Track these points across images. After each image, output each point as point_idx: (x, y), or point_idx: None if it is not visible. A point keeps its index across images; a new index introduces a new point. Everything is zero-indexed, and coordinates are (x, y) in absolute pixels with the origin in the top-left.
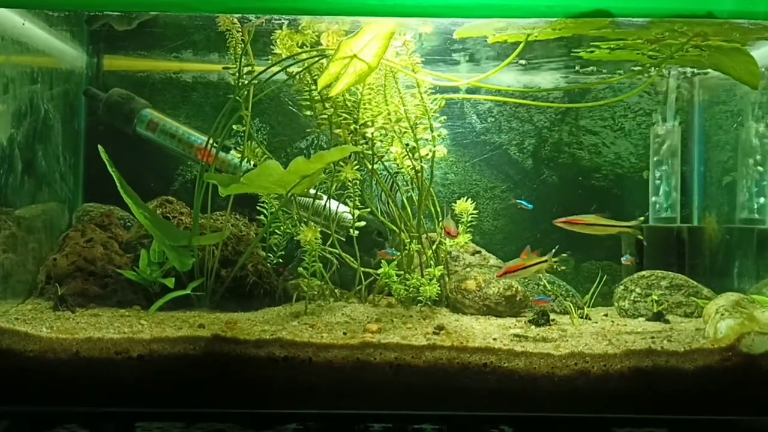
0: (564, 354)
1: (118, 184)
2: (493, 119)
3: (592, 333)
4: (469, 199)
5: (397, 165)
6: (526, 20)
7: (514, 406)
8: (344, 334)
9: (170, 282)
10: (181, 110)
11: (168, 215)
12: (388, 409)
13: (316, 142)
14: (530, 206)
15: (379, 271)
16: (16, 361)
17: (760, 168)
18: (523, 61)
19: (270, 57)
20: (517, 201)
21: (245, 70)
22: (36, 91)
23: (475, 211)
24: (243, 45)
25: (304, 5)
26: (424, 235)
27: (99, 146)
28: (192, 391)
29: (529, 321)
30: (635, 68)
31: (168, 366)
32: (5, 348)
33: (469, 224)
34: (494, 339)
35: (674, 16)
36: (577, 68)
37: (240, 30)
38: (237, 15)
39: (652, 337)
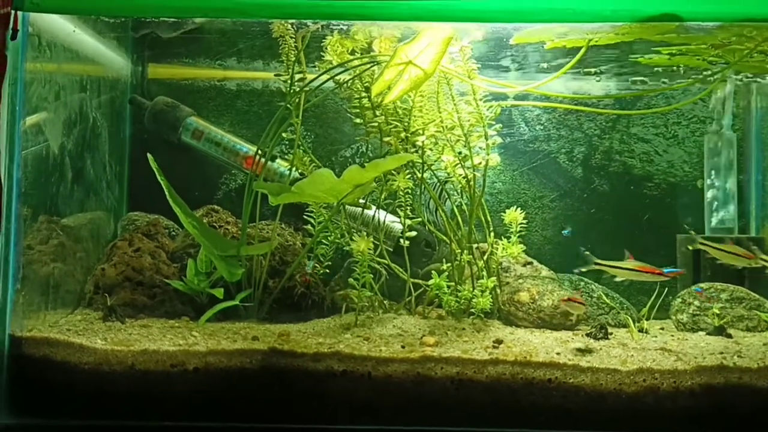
0: (632, 370)
1: (166, 193)
2: (541, 127)
3: (656, 348)
4: (518, 209)
5: (448, 174)
6: (589, 25)
7: (579, 424)
8: (402, 347)
9: (219, 292)
10: (226, 118)
11: (214, 224)
12: (450, 426)
13: (361, 150)
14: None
15: (430, 282)
16: (71, 373)
17: None
18: (592, 70)
19: (316, 64)
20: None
21: (297, 77)
22: (85, 99)
23: (524, 221)
24: (296, 51)
25: (364, 11)
26: (475, 246)
27: (148, 155)
28: (249, 405)
29: (587, 334)
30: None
31: (225, 379)
32: (60, 360)
33: (518, 234)
34: (557, 353)
35: (745, 20)
36: (634, 77)
37: (293, 36)
38: (292, 21)
39: (721, 353)
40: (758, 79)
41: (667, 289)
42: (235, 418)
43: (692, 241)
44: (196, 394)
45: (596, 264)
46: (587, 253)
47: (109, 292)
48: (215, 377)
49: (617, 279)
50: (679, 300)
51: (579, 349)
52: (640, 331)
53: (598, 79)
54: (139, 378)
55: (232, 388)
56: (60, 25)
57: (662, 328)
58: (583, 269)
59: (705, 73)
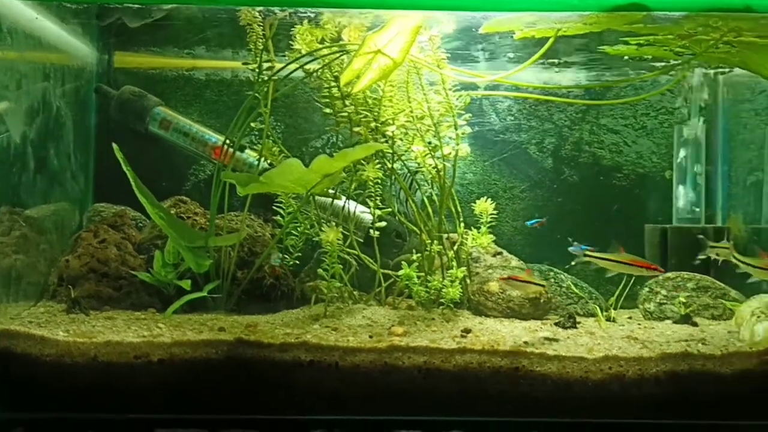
0: (598, 358)
1: (132, 184)
2: (512, 117)
3: (623, 336)
4: (489, 199)
5: (418, 164)
6: (557, 14)
7: (546, 412)
8: (370, 337)
9: (186, 284)
10: (194, 108)
11: (182, 215)
12: (417, 415)
13: (332, 140)
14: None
15: (400, 272)
16: (31, 365)
17: None
18: (555, 60)
19: (286, 53)
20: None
21: (265, 66)
22: (48, 88)
23: (494, 212)
24: (264, 40)
25: None
26: (445, 236)
27: (114, 144)
28: (214, 396)
29: (555, 324)
30: (657, 66)
31: (189, 370)
32: (21, 352)
33: (489, 225)
34: (525, 342)
35: (712, 10)
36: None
37: (261, 24)
38: (259, 8)
39: (686, 341)
40: (726, 71)
41: (634, 278)
42: (200, 410)
43: (705, 248)
44: (160, 386)
45: (587, 256)
46: (576, 243)
47: (74, 283)
48: (180, 368)
49: (609, 274)
50: (647, 289)
51: (547, 338)
52: (608, 320)
53: (557, 70)
54: (101, 370)
55: (197, 379)
56: (21, 11)
57: (630, 317)
58: (573, 263)
59: (670, 63)
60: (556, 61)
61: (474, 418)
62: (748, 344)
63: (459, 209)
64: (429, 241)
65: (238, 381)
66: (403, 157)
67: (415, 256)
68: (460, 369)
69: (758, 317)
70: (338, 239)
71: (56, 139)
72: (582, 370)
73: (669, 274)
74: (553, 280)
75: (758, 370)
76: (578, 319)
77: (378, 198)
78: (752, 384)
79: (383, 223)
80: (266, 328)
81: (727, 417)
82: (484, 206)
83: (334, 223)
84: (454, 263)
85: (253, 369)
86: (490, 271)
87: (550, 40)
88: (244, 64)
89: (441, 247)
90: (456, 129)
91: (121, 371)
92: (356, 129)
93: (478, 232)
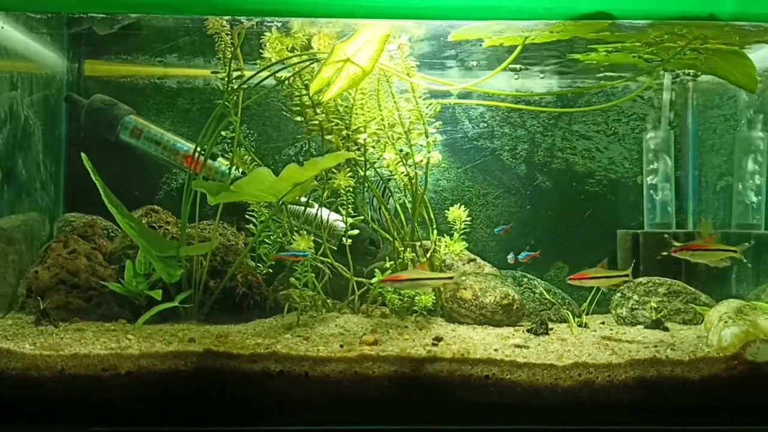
0: (567, 365)
1: (102, 193)
2: (485, 124)
3: (593, 342)
4: (462, 206)
5: (390, 171)
6: (524, 23)
7: (517, 419)
8: (341, 346)
9: (157, 294)
10: (166, 116)
11: (154, 225)
12: (388, 424)
13: (305, 148)
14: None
15: (373, 280)
16: None
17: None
18: (518, 66)
19: (258, 61)
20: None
21: (234, 74)
22: (15, 97)
23: (468, 218)
24: (232, 49)
25: (298, 7)
26: (418, 243)
27: (82, 154)
28: (183, 408)
29: (528, 330)
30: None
31: (158, 383)
32: None
33: (462, 231)
34: (495, 350)
35: (675, 18)
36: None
37: (229, 33)
38: (227, 17)
39: (655, 346)
40: (695, 77)
41: None
42: (170, 422)
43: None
44: (128, 399)
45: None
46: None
47: (42, 295)
48: (148, 381)
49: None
50: (619, 294)
51: (517, 345)
52: (580, 325)
53: (516, 77)
54: (68, 383)
55: (165, 392)
56: None
57: (603, 323)
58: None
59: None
60: (517, 67)
61: (445, 427)
62: (716, 349)
63: (432, 216)
64: (402, 248)
65: (207, 393)
66: (375, 165)
67: (388, 264)
68: (430, 377)
69: (726, 322)
70: (310, 247)
71: (25, 148)
72: (552, 377)
73: (641, 279)
74: (526, 286)
75: (725, 375)
76: (551, 325)
77: (350, 206)
78: (720, 389)
79: (356, 231)
80: (237, 338)
81: (697, 423)
82: (458, 213)
83: (305, 231)
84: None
85: (222, 380)
86: (463, 278)
87: (518, 48)
88: (213, 72)
89: (414, 254)
90: (427, 137)
91: (88, 384)
92: (328, 137)
93: (452, 239)
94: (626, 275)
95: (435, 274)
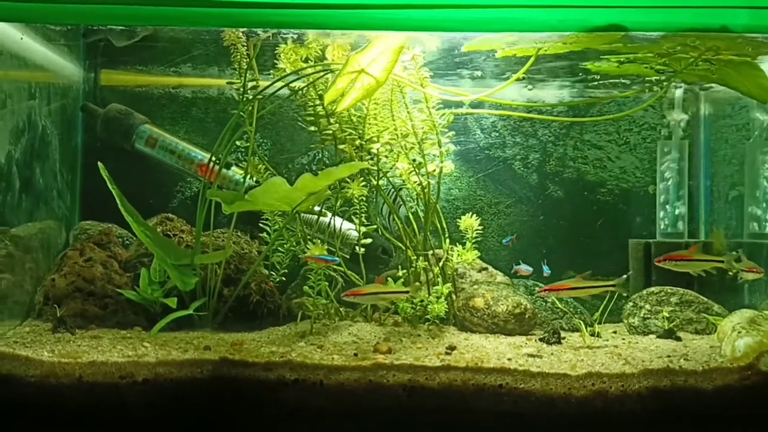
0: (581, 374)
1: (118, 202)
2: (497, 134)
3: (606, 352)
4: (474, 215)
5: (403, 181)
6: (538, 34)
7: (530, 429)
8: (355, 355)
9: (172, 302)
10: (181, 126)
11: (168, 233)
12: None
13: (318, 157)
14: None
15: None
16: (16, 386)
17: None
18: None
19: (272, 72)
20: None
21: (250, 85)
22: (34, 107)
23: (480, 228)
24: (248, 59)
25: (314, 20)
26: (431, 252)
27: (99, 163)
28: (199, 415)
29: (540, 339)
30: (639, 83)
31: (174, 390)
32: (5, 373)
33: (474, 240)
34: (509, 359)
35: (688, 30)
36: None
37: (245, 44)
38: (243, 29)
39: (669, 356)
40: (707, 88)
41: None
42: (185, 430)
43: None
44: (145, 406)
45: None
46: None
47: (59, 302)
48: (165, 388)
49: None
50: (631, 304)
51: (530, 354)
52: (593, 335)
53: (530, 87)
54: (86, 390)
55: (181, 399)
56: (6, 32)
57: (615, 332)
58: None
59: (651, 81)
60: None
61: None
62: (729, 360)
63: (444, 225)
64: (414, 257)
65: (223, 401)
66: (388, 174)
67: (400, 272)
68: (444, 387)
69: (739, 332)
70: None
71: (42, 157)
72: (565, 386)
73: (653, 289)
74: (537, 295)
75: (739, 385)
76: (563, 334)
77: (363, 215)
78: (733, 400)
79: (369, 240)
80: (252, 346)
81: None
82: (470, 222)
83: (319, 240)
84: (440, 279)
85: (238, 388)
86: (475, 286)
87: (531, 59)
88: (228, 83)
89: (426, 263)
90: (440, 146)
91: (106, 392)
92: (341, 147)
93: (464, 248)
94: (612, 285)
95: (392, 287)
